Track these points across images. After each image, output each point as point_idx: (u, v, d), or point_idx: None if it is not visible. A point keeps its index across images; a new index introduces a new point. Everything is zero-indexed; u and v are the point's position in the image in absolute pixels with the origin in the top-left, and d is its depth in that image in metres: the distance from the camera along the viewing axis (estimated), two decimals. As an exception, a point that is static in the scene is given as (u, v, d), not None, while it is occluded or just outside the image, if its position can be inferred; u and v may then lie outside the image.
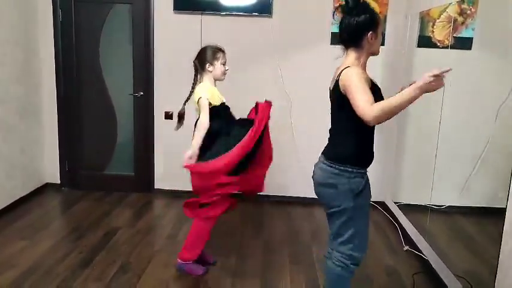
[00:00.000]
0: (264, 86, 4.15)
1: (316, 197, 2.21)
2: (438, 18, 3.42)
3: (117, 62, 4.35)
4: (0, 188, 3.75)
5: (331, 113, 2.12)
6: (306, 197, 4.33)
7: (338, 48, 4.14)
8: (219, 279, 2.88)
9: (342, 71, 1.91)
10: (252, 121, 2.72)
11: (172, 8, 4.06)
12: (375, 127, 1.97)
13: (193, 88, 2.87)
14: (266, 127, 2.78)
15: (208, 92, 2.73)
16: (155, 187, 4.46)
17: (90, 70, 4.31)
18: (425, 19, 3.62)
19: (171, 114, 4.29)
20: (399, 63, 3.99)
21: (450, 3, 3.13)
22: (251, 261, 3.15)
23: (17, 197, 3.98)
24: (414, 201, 3.68)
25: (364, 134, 2.01)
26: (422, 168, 3.52)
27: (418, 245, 3.29)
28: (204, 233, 2.83)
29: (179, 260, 2.91)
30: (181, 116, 2.95)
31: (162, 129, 4.34)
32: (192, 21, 4.10)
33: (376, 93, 1.90)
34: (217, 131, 2.71)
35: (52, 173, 4.46)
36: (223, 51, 2.83)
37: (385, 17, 4.02)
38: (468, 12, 3.13)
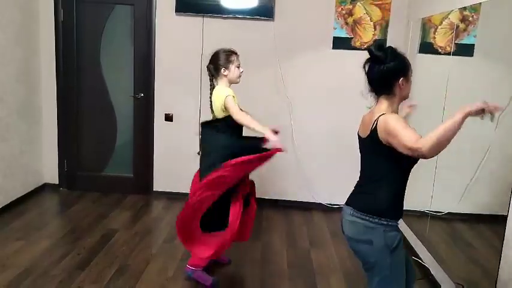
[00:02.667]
0: (265, 89, 4.15)
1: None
2: (440, 25, 3.42)
3: (117, 63, 4.35)
4: (-2, 187, 3.73)
5: (362, 162, 2.00)
6: (305, 201, 4.32)
7: (339, 53, 4.15)
8: (217, 284, 2.86)
9: (379, 117, 1.82)
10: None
11: (174, 10, 4.06)
12: (408, 179, 1.89)
13: (211, 92, 2.81)
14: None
15: (232, 92, 2.70)
16: (154, 189, 4.45)
17: (90, 71, 4.30)
18: (427, 25, 3.62)
19: (171, 116, 4.28)
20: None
21: (452, 10, 3.13)
22: (250, 265, 3.13)
23: (15, 197, 3.95)
24: (413, 208, 3.67)
25: (400, 184, 1.91)
26: (422, 175, 3.51)
27: (417, 252, 3.28)
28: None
29: (189, 266, 2.85)
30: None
31: (161, 131, 4.33)
32: (193, 23, 4.10)
33: None
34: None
35: (50, 173, 4.44)
36: (236, 54, 2.78)
37: (387, 22, 4.02)
38: (470, 19, 3.13)
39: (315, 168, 4.26)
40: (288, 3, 4.04)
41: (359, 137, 2.00)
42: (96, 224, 3.64)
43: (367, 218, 1.87)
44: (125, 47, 4.26)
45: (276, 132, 2.56)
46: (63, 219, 3.88)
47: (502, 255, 2.16)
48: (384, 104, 1.88)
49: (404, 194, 1.93)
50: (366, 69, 1.89)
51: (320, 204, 4.29)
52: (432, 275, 2.96)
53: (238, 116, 2.61)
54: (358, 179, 2.02)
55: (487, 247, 2.79)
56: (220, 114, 2.71)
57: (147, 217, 3.95)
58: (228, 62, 2.73)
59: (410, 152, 1.68)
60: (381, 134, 1.79)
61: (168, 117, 4.29)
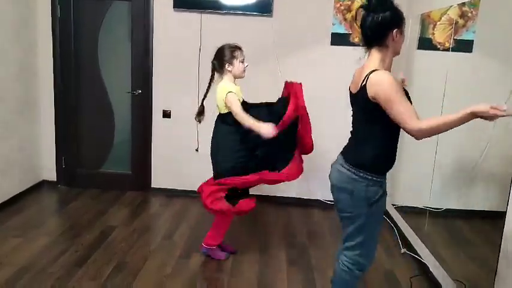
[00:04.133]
0: (264, 85, 4.13)
1: (333, 200, 2.15)
2: (439, 21, 3.41)
3: (115, 59, 4.33)
4: (-4, 184, 3.72)
5: (353, 116, 2.04)
6: (303, 198, 4.32)
7: (338, 49, 4.14)
8: (216, 280, 2.86)
9: (370, 74, 1.81)
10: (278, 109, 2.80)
11: (172, 6, 4.04)
12: (399, 133, 1.91)
13: (209, 86, 2.91)
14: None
15: (234, 89, 2.78)
16: (152, 186, 4.44)
17: (88, 67, 4.28)
18: (426, 21, 3.60)
19: (169, 113, 4.27)
20: (399, 65, 3.98)
21: (451, 6, 3.12)
22: (248, 261, 3.13)
23: (13, 194, 3.94)
24: (412, 204, 3.67)
25: (390, 141, 1.94)
26: (421, 171, 3.50)
27: (416, 248, 3.28)
28: (225, 223, 3.01)
29: (204, 245, 3.08)
30: (201, 112, 3.02)
31: (159, 127, 4.32)
32: (191, 19, 4.08)
33: (406, 95, 1.83)
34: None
35: (49, 170, 4.42)
36: (240, 49, 2.83)
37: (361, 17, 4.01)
38: (469, 14, 3.12)
39: (314, 164, 4.25)
40: (286, -1, 4.02)
41: (350, 93, 2.04)
42: (94, 221, 3.63)
43: (352, 170, 1.93)
44: (122, 43, 4.24)
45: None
46: (61, 216, 3.87)
47: (501, 251, 2.16)
48: (375, 57, 1.87)
49: (393, 151, 1.97)
50: (360, 16, 1.89)
51: (318, 200, 4.29)
52: (430, 271, 2.96)
53: (239, 116, 2.70)
54: (351, 131, 2.08)
55: (486, 243, 2.79)
56: (223, 110, 2.80)
57: (145, 214, 3.94)
58: (232, 57, 2.78)
59: (401, 125, 1.72)
60: (370, 91, 1.79)
61: (166, 114, 4.27)
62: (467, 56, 3.10)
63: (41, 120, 4.32)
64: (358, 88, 1.87)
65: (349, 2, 3.99)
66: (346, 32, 4.04)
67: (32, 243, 3.19)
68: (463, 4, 2.98)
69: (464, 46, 3.11)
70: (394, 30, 1.84)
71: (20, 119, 4.00)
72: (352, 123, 2.06)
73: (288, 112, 2.74)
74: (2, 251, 3.04)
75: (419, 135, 1.70)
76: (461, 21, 3.11)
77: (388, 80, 1.76)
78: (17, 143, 3.98)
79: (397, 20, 1.85)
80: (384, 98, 1.75)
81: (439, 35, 3.39)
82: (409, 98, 1.87)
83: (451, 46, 3.09)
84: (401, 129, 1.86)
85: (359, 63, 2.00)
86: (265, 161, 2.80)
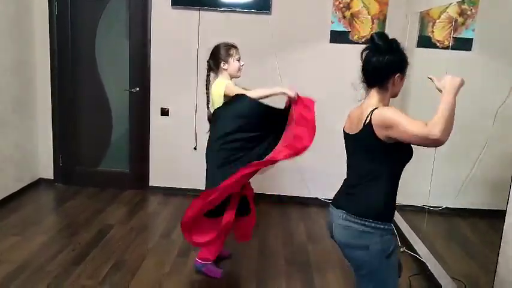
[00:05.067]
0: (262, 83, 4.10)
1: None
2: (438, 19, 3.40)
3: (113, 56, 4.30)
4: (-7, 182, 3.70)
5: (351, 159, 1.90)
6: (301, 196, 4.31)
7: (337, 47, 4.12)
8: (214, 280, 2.85)
9: (372, 111, 1.73)
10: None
11: (170, 3, 4.01)
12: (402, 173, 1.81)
13: (207, 88, 2.81)
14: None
15: (230, 81, 2.69)
16: (150, 184, 4.42)
17: (85, 65, 4.25)
18: (425, 19, 3.59)
19: (167, 111, 4.25)
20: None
21: (450, 4, 3.10)
22: (247, 261, 3.12)
23: (10, 192, 3.92)
24: (411, 203, 3.67)
25: (394, 183, 1.80)
26: (419, 170, 3.50)
27: (415, 247, 3.27)
28: (223, 235, 2.76)
29: (198, 260, 2.84)
30: (210, 120, 2.84)
31: (158, 125, 4.30)
32: (190, 16, 4.06)
33: None
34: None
35: (46, 168, 4.40)
36: (236, 47, 2.76)
37: (385, 16, 4.00)
38: (468, 13, 3.11)
39: (312, 162, 4.24)
40: (285, -4, 4.01)
41: (345, 134, 1.91)
42: (92, 219, 3.61)
43: (363, 222, 1.75)
44: (120, 40, 4.22)
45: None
46: (59, 214, 3.85)
47: (500, 250, 2.15)
48: (374, 98, 1.80)
49: (396, 195, 1.84)
50: (363, 56, 1.82)
51: (316, 199, 4.28)
52: (429, 270, 2.95)
53: (252, 93, 2.61)
54: (345, 179, 1.92)
55: (485, 242, 2.79)
56: (218, 104, 2.69)
57: (143, 212, 3.93)
58: (228, 55, 2.71)
59: (421, 141, 1.58)
60: (377, 129, 1.70)
61: (164, 112, 4.26)
62: (467, 54, 3.09)
63: (37, 118, 4.30)
64: (361, 127, 1.76)
65: (348, 0, 3.97)
66: (345, 29, 4.02)
67: (29, 241, 3.17)
68: (463, 2, 2.97)
69: (463, 44, 3.10)
70: (397, 75, 1.78)
71: (16, 117, 3.98)
72: (349, 168, 1.91)
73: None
74: (-1, 250, 3.03)
75: (439, 134, 1.53)
76: (460, 19, 3.10)
77: (389, 108, 1.72)
78: (13, 140, 3.96)
79: (401, 64, 1.80)
80: (389, 124, 1.65)
81: (439, 33, 3.39)
82: None
83: (450, 44, 3.08)
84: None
85: (355, 89, 1.93)
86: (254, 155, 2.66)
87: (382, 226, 1.75)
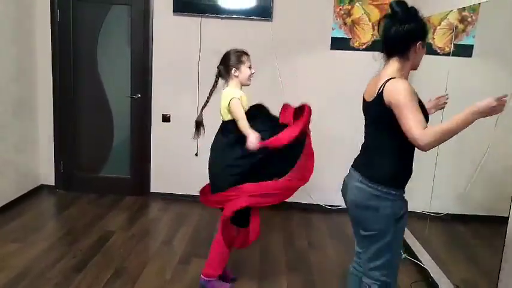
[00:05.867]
0: (263, 89, 4.11)
1: (349, 215, 2.02)
2: (439, 25, 3.41)
3: (115, 63, 4.31)
4: (-6, 189, 3.70)
5: (367, 127, 1.95)
6: (303, 203, 4.30)
7: (337, 53, 4.13)
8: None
9: (386, 82, 1.75)
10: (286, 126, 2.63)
11: (172, 10, 4.03)
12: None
13: (210, 94, 2.73)
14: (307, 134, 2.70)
15: (239, 96, 2.60)
16: (151, 190, 4.42)
17: (87, 71, 4.26)
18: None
19: (169, 117, 4.26)
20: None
21: (451, 11, 3.12)
22: (248, 266, 3.11)
23: (11, 199, 3.91)
24: (412, 209, 3.65)
25: (408, 152, 1.85)
26: (421, 175, 3.50)
27: (417, 253, 3.26)
28: (226, 249, 2.71)
29: (203, 277, 2.76)
30: (199, 124, 2.80)
31: (159, 131, 4.30)
32: (191, 23, 4.08)
33: (422, 109, 1.76)
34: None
35: (47, 174, 4.40)
36: (247, 54, 2.70)
37: (382, 27, 4.01)
38: (469, 19, 3.12)
39: (314, 169, 4.23)
40: (286, 3, 4.02)
41: (363, 100, 1.95)
42: (92, 226, 3.61)
43: (375, 186, 1.83)
44: (122, 47, 4.24)
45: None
46: (60, 220, 3.84)
47: (503, 257, 2.14)
48: (393, 67, 1.80)
49: (411, 161, 1.89)
50: (382, 25, 1.81)
51: (318, 205, 4.27)
52: (432, 277, 2.94)
53: (240, 123, 2.53)
54: (363, 142, 1.98)
55: (487, 249, 2.78)
56: (226, 117, 2.63)
57: (144, 219, 3.92)
58: (239, 62, 2.64)
59: (407, 135, 1.67)
60: (387, 99, 1.73)
61: (166, 118, 4.26)
62: (467, 60, 3.10)
63: (39, 123, 4.30)
64: (374, 96, 1.80)
65: (349, 7, 3.99)
66: (346, 36, 4.04)
67: (30, 248, 3.16)
68: (463, 9, 2.98)
69: (464, 51, 3.11)
70: (418, 43, 1.78)
71: (17, 123, 3.98)
72: (366, 133, 1.96)
73: (285, 135, 2.54)
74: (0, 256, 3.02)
75: (424, 143, 1.62)
76: (461, 26, 3.11)
77: (404, 86, 1.71)
78: (14, 146, 3.96)
79: (422, 32, 1.80)
80: (396, 103, 1.69)
81: (439, 40, 3.39)
82: (425, 111, 1.81)
83: (451, 51, 3.08)
84: None
85: (375, 60, 1.92)
86: (264, 173, 2.62)
87: (393, 192, 1.83)
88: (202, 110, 2.77)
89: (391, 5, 1.80)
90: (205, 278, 2.75)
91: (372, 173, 1.86)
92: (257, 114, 2.71)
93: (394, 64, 1.81)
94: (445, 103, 2.28)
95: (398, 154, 1.84)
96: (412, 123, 1.64)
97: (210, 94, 2.75)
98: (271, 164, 2.60)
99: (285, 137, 2.51)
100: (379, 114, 1.81)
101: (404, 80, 1.77)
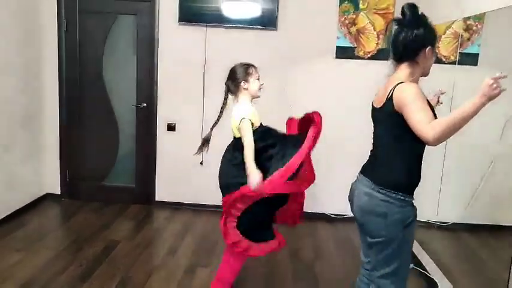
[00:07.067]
0: (268, 99, 4.12)
1: (357, 222, 2.00)
2: (444, 34, 3.42)
3: (120, 73, 4.34)
4: None
5: (376, 132, 1.95)
6: (308, 212, 4.27)
7: (342, 62, 4.13)
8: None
9: (396, 86, 1.76)
10: (297, 137, 2.60)
11: (177, 20, 4.06)
12: (425, 148, 1.84)
13: (221, 111, 2.69)
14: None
15: (251, 114, 2.56)
16: (156, 199, 4.41)
17: (93, 80, 4.29)
18: (430, 35, 3.61)
19: (174, 126, 4.27)
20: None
21: (456, 20, 3.12)
22: (253, 275, 3.09)
23: (16, 208, 3.92)
24: (419, 218, 3.64)
25: (417, 157, 1.86)
26: (427, 185, 3.48)
27: (423, 263, 3.23)
28: (236, 265, 2.69)
29: None
30: (206, 141, 2.77)
31: (164, 140, 4.31)
32: (196, 33, 4.10)
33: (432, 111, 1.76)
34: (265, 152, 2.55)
35: (52, 183, 4.41)
36: (254, 67, 2.67)
37: (391, 31, 4.01)
38: (474, 28, 3.13)
39: (318, 177, 4.21)
40: (291, 12, 4.04)
41: (373, 107, 1.95)
42: (98, 235, 3.60)
43: (384, 191, 1.82)
44: (127, 57, 4.27)
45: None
46: (65, 230, 3.84)
47: (512, 267, 2.12)
48: (403, 72, 1.81)
49: (420, 167, 1.88)
50: (391, 30, 1.84)
51: (324, 214, 4.25)
52: (438, 287, 2.91)
53: (246, 150, 2.47)
54: (372, 148, 1.97)
55: (494, 258, 2.76)
56: (238, 134, 2.58)
57: (149, 228, 3.92)
58: (247, 74, 2.60)
59: (416, 132, 1.65)
60: (397, 103, 1.73)
61: (171, 127, 4.27)
62: (473, 69, 3.10)
63: (45, 133, 4.32)
64: (384, 101, 1.80)
65: (354, 16, 4.01)
66: (351, 45, 4.05)
67: (35, 257, 3.16)
68: (468, 18, 2.99)
69: (469, 59, 3.11)
70: (427, 48, 1.79)
71: (23, 132, 4.01)
72: (375, 139, 1.96)
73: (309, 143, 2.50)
74: (4, 266, 3.01)
75: (432, 137, 1.58)
76: (466, 35, 3.12)
77: (412, 87, 1.71)
78: (20, 155, 3.97)
79: (431, 37, 1.81)
80: (404, 102, 1.69)
81: (444, 49, 3.40)
82: (434, 114, 1.79)
83: (456, 59, 3.09)
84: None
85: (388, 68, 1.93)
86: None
87: (402, 197, 1.81)
88: (212, 128, 2.72)
89: (402, 8, 1.81)
90: None
91: (381, 178, 1.86)
92: (268, 136, 2.64)
93: (404, 69, 1.82)
94: (440, 102, 2.27)
95: (408, 160, 1.83)
96: (419, 118, 1.63)
97: (221, 111, 2.70)
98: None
99: (293, 165, 2.43)
100: (389, 120, 1.80)
101: (414, 83, 1.77)
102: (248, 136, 2.49)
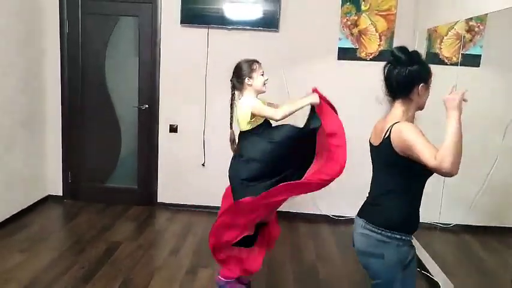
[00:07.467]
0: (270, 100, 4.13)
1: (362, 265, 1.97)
2: (446, 35, 3.41)
3: (122, 74, 4.35)
4: (1, 199, 3.70)
5: (375, 172, 1.92)
6: (311, 214, 4.28)
7: (344, 63, 4.13)
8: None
9: (392, 126, 1.75)
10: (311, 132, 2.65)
11: (179, 22, 4.07)
12: (424, 187, 1.82)
13: (232, 107, 2.71)
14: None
15: (256, 100, 2.61)
16: (158, 200, 4.42)
17: (95, 82, 4.30)
18: (432, 36, 3.61)
19: (176, 128, 4.27)
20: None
21: (458, 21, 3.12)
22: (255, 277, 3.08)
23: (18, 209, 3.93)
24: (422, 220, 3.63)
25: (415, 196, 1.83)
26: (430, 187, 3.47)
27: (426, 265, 3.22)
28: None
29: (220, 277, 2.76)
30: (233, 140, 2.77)
31: (166, 142, 4.31)
32: (198, 35, 4.10)
33: None
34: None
35: (54, 184, 4.42)
36: (258, 62, 2.69)
37: (393, 33, 4.01)
38: (476, 29, 3.12)
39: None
40: (292, 14, 4.04)
41: (371, 145, 1.94)
42: (100, 236, 3.61)
43: (380, 231, 1.78)
44: (129, 58, 4.27)
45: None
46: (67, 231, 3.85)
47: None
48: (398, 110, 1.81)
49: (419, 207, 1.84)
50: (385, 71, 1.82)
51: (326, 216, 4.25)
52: (441, 288, 2.90)
53: (279, 115, 2.55)
54: (370, 189, 1.95)
55: (497, 259, 2.75)
56: (244, 127, 2.61)
57: (151, 229, 3.92)
58: (251, 70, 2.63)
59: (429, 167, 1.60)
60: (395, 143, 1.72)
61: (173, 129, 4.28)
62: (475, 70, 3.09)
63: (46, 134, 4.33)
64: (381, 140, 1.79)
65: (356, 17, 4.01)
66: (353, 46, 4.05)
67: (37, 258, 3.16)
68: (470, 19, 2.98)
69: (471, 61, 3.11)
70: (420, 85, 1.79)
71: (25, 133, 4.01)
72: (373, 178, 1.93)
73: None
74: (7, 267, 3.02)
75: (447, 167, 1.54)
76: (468, 36, 3.11)
77: (407, 126, 1.71)
78: (22, 157, 3.98)
79: (424, 74, 1.81)
80: (406, 145, 1.68)
81: (446, 50, 3.39)
82: None
83: (459, 61, 3.08)
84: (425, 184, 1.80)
85: (380, 103, 1.93)
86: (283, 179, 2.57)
87: (399, 237, 1.77)
88: (231, 126, 2.74)
89: (392, 52, 1.81)
90: (224, 279, 2.75)
91: (379, 217, 1.82)
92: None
93: (398, 107, 1.82)
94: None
95: (408, 198, 1.80)
96: (427, 156, 1.59)
97: (232, 108, 2.72)
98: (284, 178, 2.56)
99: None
100: (389, 160, 1.78)
101: (408, 123, 1.77)
102: (267, 109, 2.58)
